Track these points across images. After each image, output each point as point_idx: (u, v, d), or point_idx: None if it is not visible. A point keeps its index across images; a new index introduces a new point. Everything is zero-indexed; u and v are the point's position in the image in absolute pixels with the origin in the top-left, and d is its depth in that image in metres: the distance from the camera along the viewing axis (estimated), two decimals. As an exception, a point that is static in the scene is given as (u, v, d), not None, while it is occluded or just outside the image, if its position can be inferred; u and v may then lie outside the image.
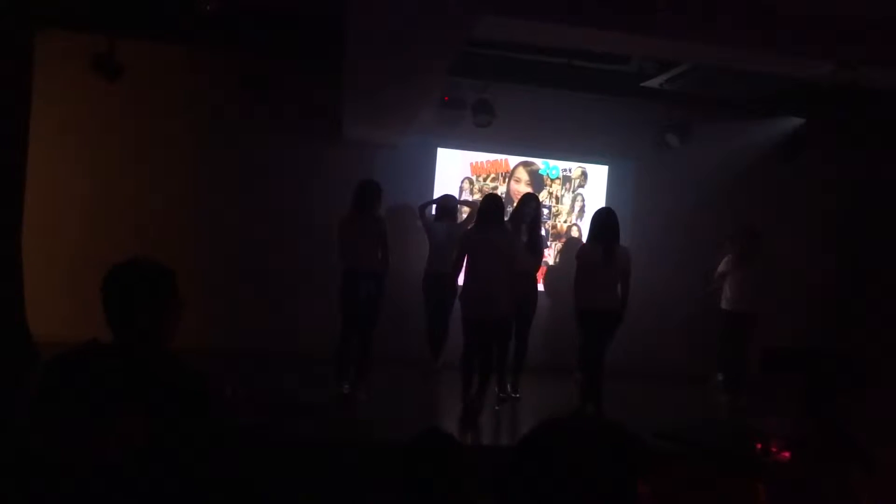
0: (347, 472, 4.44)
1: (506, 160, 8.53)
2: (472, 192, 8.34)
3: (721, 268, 7.55)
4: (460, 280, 6.11)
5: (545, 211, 8.48)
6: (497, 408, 6.35)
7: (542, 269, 7.69)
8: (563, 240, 8.61)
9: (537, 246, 6.82)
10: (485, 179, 8.47)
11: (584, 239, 6.82)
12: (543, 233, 7.95)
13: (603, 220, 6.22)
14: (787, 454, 4.70)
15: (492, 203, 5.99)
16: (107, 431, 1.97)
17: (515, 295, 5.99)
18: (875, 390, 6.39)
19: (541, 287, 7.28)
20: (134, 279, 2.16)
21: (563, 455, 1.30)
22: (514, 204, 7.15)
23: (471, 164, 8.45)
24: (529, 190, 8.29)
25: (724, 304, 7.46)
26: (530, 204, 6.80)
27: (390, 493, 2.68)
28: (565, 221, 8.65)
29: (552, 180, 8.64)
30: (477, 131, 8.03)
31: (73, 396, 2.03)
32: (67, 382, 2.07)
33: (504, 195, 8.15)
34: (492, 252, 5.75)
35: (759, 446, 4.88)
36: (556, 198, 8.63)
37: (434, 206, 7.79)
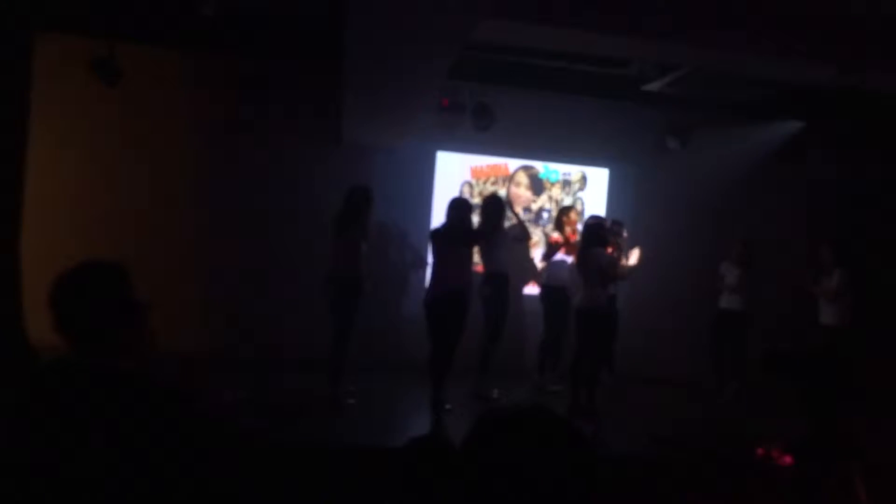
0: (348, 474, 4.43)
1: (506, 164, 8.52)
2: (472, 196, 8.28)
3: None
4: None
5: (545, 215, 8.49)
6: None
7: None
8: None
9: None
10: (485, 183, 8.46)
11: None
12: (543, 237, 7.96)
13: (583, 228, 6.89)
14: (788, 459, 4.69)
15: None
16: (75, 447, 1.76)
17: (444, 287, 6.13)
18: (875, 390, 6.37)
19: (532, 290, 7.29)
20: (82, 284, 1.92)
21: (508, 453, 1.23)
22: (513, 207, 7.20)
23: (471, 167, 8.44)
24: (529, 193, 8.33)
25: (823, 319, 7.30)
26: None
27: (390, 495, 2.67)
28: (565, 225, 8.64)
29: (552, 184, 8.63)
30: (477, 135, 8.03)
31: (40, 418, 1.81)
32: (36, 402, 1.85)
33: (505, 199, 8.11)
34: None
35: (760, 452, 4.87)
36: (556, 202, 8.61)
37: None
